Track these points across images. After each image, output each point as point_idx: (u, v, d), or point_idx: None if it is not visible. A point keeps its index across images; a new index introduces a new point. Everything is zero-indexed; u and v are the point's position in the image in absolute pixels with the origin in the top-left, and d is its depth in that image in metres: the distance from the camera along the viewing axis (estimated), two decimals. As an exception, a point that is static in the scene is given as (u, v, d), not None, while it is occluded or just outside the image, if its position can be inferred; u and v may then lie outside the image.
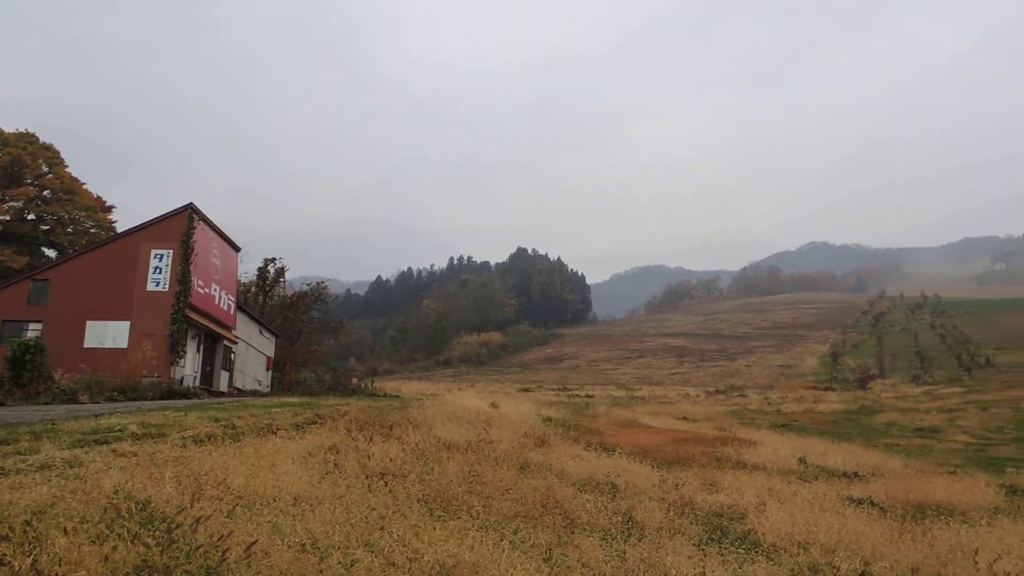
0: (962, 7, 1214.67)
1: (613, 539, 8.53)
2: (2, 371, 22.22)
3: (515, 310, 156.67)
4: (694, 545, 8.64)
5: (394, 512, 8.02)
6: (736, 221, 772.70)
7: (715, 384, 77.71)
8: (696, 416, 36.69)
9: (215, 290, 34.09)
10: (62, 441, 10.69)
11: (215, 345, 35.02)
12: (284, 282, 58.08)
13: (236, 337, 37.40)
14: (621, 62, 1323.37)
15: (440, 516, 8.27)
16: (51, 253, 51.65)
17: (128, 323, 30.38)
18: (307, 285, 60.23)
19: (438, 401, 24.87)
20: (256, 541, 5.78)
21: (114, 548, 5.32)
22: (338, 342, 78.49)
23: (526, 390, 64.72)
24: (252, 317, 42.36)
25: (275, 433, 12.75)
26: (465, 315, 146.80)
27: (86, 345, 29.84)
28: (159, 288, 30.89)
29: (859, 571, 7.88)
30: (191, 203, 32.45)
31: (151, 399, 24.34)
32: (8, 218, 50.84)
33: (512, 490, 10.38)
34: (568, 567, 6.97)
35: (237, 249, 38.99)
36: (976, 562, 8.34)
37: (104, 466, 8.65)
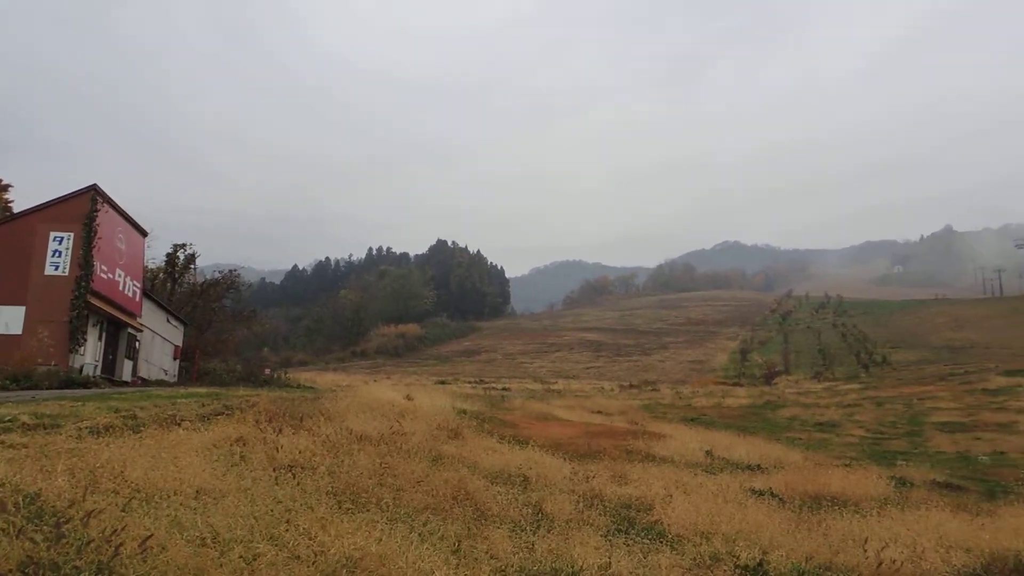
0: (869, 11, 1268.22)
1: (522, 531, 8.60)
2: None
3: (434, 302, 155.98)
4: (602, 536, 8.79)
5: (301, 505, 7.87)
6: (654, 219, 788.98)
7: (630, 378, 79.21)
8: (610, 410, 37.31)
9: (119, 276, 32.72)
10: (-56, 432, 10.09)
11: (119, 333, 33.64)
12: (195, 269, 56.19)
13: (141, 325, 36.02)
14: (550, 53, 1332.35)
15: (349, 509, 8.17)
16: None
17: (23, 308, 28.83)
18: (219, 273, 58.44)
19: (352, 392, 24.55)
20: (152, 535, 5.57)
21: (-4, 544, 5.05)
22: (251, 332, 76.44)
23: (443, 382, 64.57)
24: (159, 304, 40.88)
25: (179, 424, 12.33)
26: (383, 306, 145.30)
27: (-25, 331, 28.20)
28: (58, 272, 29.43)
29: (757, 560, 8.16)
30: (95, 184, 31.02)
31: (47, 388, 23.20)
32: None
33: (423, 482, 10.34)
34: (476, 559, 6.99)
35: (144, 234, 37.52)
36: (865, 550, 8.76)
37: (-10, 458, 8.20)
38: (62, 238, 29.70)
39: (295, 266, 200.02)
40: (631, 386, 68.22)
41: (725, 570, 7.75)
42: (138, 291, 35.33)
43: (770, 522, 10.48)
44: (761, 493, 13.36)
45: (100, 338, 31.87)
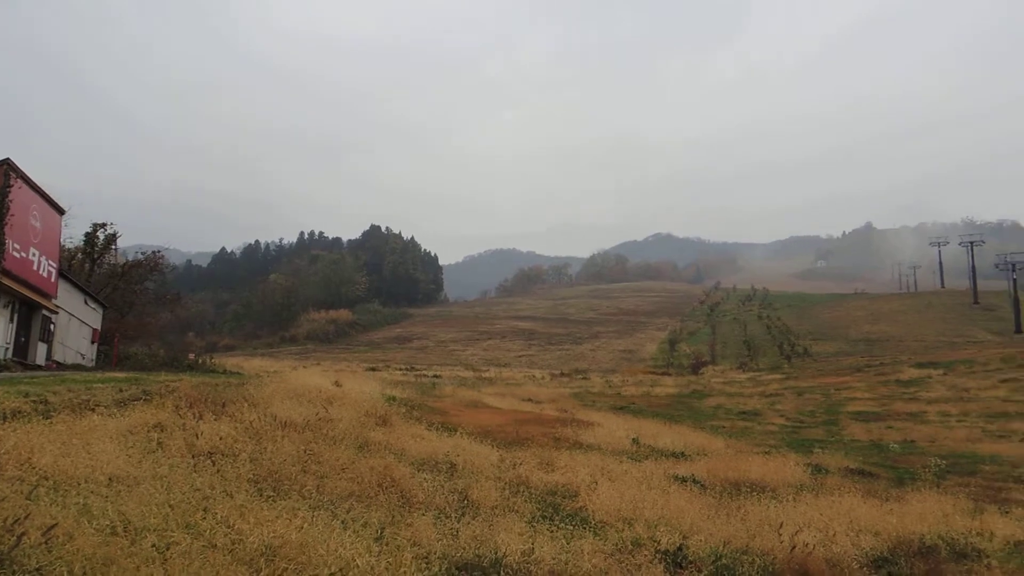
0: (809, 10, 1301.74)
1: (448, 518, 8.59)
2: None
3: (366, 288, 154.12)
4: (526, 523, 8.85)
5: (220, 493, 7.69)
6: (589, 211, 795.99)
7: (561, 367, 79.89)
8: (540, 398, 37.58)
9: (34, 255, 31.30)
10: None
11: (32, 314, 32.21)
12: (116, 249, 54.11)
13: (57, 307, 34.57)
14: (499, 40, 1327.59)
15: (270, 496, 8.03)
16: None
17: (-73, 287, 27.32)
18: (141, 254, 56.45)
19: (279, 378, 24.09)
20: (57, 524, 5.36)
21: None
22: (175, 316, 74.30)
23: (373, 369, 64.00)
24: (77, 286, 39.29)
25: (93, 410, 11.89)
26: (314, 292, 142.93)
27: None
28: (-33, 250, 27.93)
29: (677, 544, 8.34)
30: (7, 159, 29.53)
31: (-47, 371, 22.09)
32: None
33: (349, 469, 10.23)
34: (399, 546, 6.94)
35: (61, 212, 35.92)
36: (780, 534, 9.05)
37: None
38: (-29, 214, 28.17)
39: (223, 249, 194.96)
40: (562, 374, 68.83)
41: (646, 555, 7.88)
42: (54, 271, 33.87)
43: (691, 508, 10.73)
44: (684, 480, 13.66)
45: (12, 320, 30.46)
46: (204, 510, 6.84)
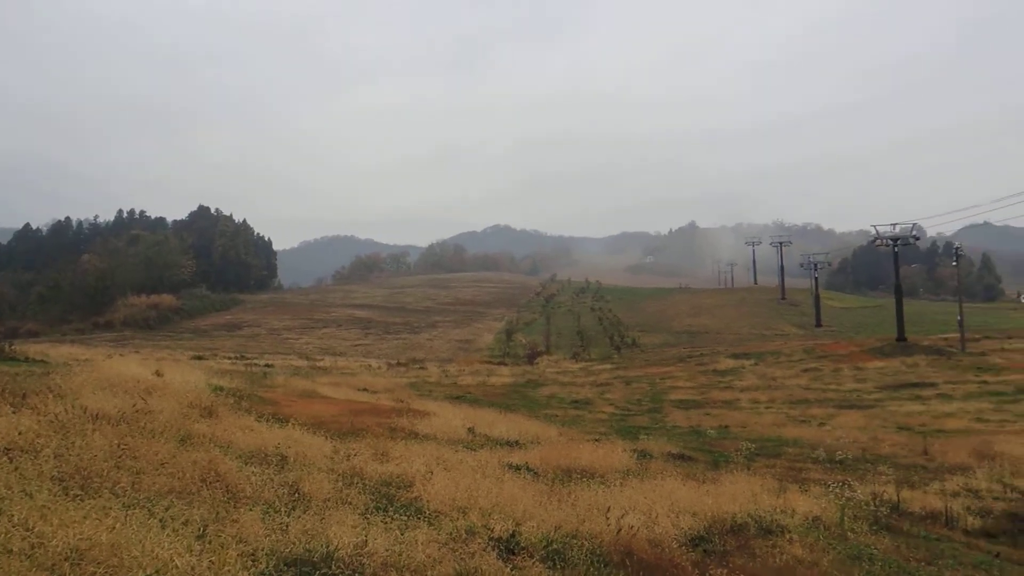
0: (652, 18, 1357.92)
1: (277, 512, 8.26)
2: None
3: (193, 272, 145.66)
4: (360, 515, 8.68)
5: (18, 493, 6.98)
6: (428, 200, 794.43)
7: (398, 356, 79.27)
8: (376, 387, 37.13)
9: None
10: None
11: None
12: None
13: None
14: (340, 22, 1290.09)
15: (77, 495, 7.38)
16: None
17: None
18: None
19: (91, 367, 22.28)
20: None
21: None
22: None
23: (200, 358, 60.71)
24: None
25: None
26: (134, 275, 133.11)
27: None
28: None
29: (510, 531, 8.47)
30: None
31: None
32: None
33: (169, 464, 9.61)
34: (223, 544, 6.58)
35: None
36: (608, 518, 9.42)
37: None
38: None
39: (27, 224, 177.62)
40: (399, 364, 68.35)
41: (480, 543, 7.94)
42: None
43: (524, 495, 10.94)
44: (518, 468, 13.92)
45: None
46: (-2, 512, 6.19)
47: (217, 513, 7.76)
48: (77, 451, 9.23)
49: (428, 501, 9.98)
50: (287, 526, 7.65)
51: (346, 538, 7.30)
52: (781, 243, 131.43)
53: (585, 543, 8.58)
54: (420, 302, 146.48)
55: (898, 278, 71.48)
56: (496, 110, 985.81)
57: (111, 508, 6.94)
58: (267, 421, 15.70)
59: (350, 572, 6.63)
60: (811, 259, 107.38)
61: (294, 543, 7.13)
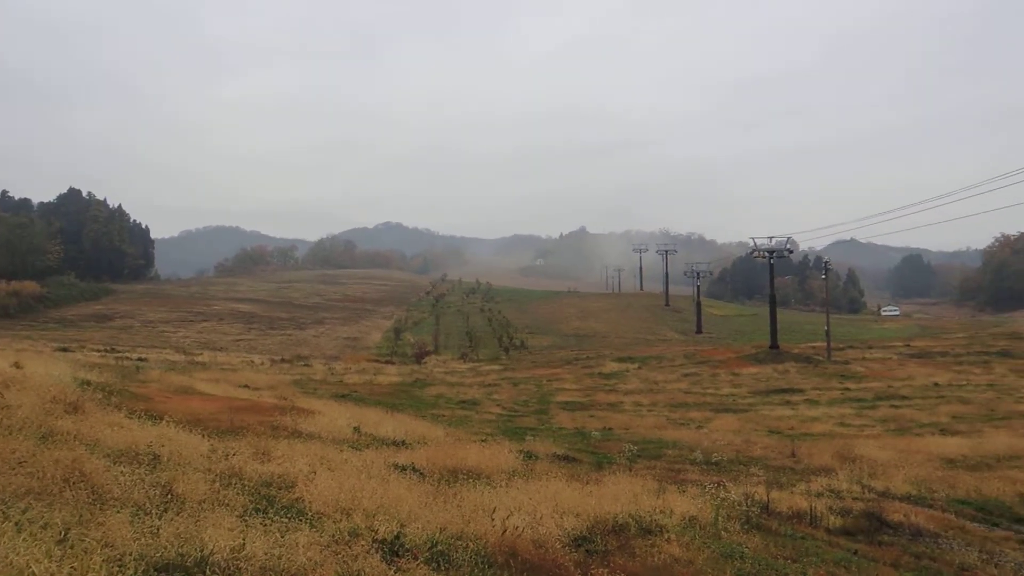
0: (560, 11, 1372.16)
1: (147, 514, 7.82)
2: None
3: (60, 259, 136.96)
4: (238, 517, 8.33)
5: None
6: (319, 194, 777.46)
7: (282, 352, 77.17)
8: (258, 384, 35.99)
9: None
10: None
11: None
12: None
13: None
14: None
15: (-84, 499, 6.79)
16: None
17: None
18: None
19: (-59, 358, 20.60)
20: None
21: None
22: None
23: (65, 349, 57.26)
24: None
25: None
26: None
27: None
28: None
29: (395, 533, 8.35)
30: None
31: None
32: None
33: (27, 463, 8.94)
34: (86, 549, 6.17)
35: None
36: (493, 519, 9.45)
37: None
38: None
39: None
40: (283, 360, 66.55)
41: (363, 545, 7.79)
42: None
43: (410, 496, 10.82)
44: (404, 468, 13.76)
45: None
46: None
47: (81, 516, 7.28)
48: (-80, 449, 8.48)
49: (311, 502, 9.71)
50: (158, 529, 7.26)
51: (222, 541, 6.98)
52: (667, 252, 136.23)
53: (470, 544, 8.56)
54: (308, 298, 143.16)
55: (773, 289, 75.08)
56: (393, 105, 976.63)
57: (-41, 512, 6.41)
58: (139, 418, 14.90)
59: (226, 577, 6.36)
60: (694, 268, 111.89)
61: (166, 547, 6.77)
